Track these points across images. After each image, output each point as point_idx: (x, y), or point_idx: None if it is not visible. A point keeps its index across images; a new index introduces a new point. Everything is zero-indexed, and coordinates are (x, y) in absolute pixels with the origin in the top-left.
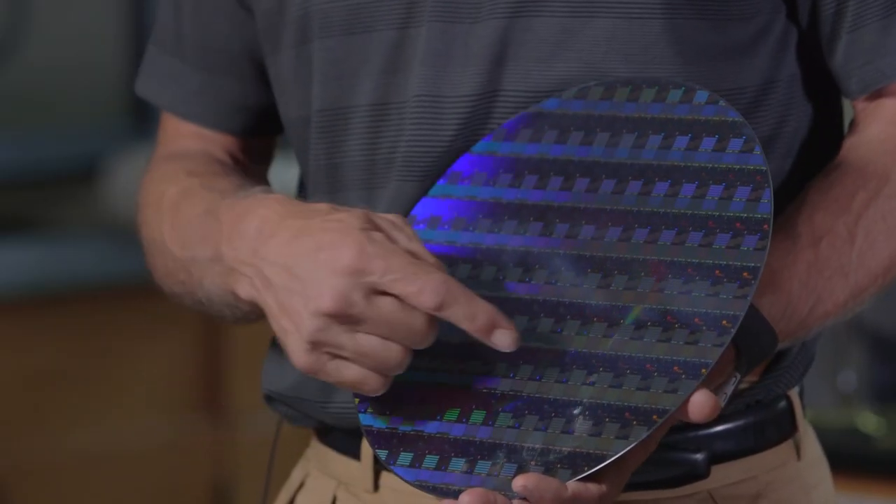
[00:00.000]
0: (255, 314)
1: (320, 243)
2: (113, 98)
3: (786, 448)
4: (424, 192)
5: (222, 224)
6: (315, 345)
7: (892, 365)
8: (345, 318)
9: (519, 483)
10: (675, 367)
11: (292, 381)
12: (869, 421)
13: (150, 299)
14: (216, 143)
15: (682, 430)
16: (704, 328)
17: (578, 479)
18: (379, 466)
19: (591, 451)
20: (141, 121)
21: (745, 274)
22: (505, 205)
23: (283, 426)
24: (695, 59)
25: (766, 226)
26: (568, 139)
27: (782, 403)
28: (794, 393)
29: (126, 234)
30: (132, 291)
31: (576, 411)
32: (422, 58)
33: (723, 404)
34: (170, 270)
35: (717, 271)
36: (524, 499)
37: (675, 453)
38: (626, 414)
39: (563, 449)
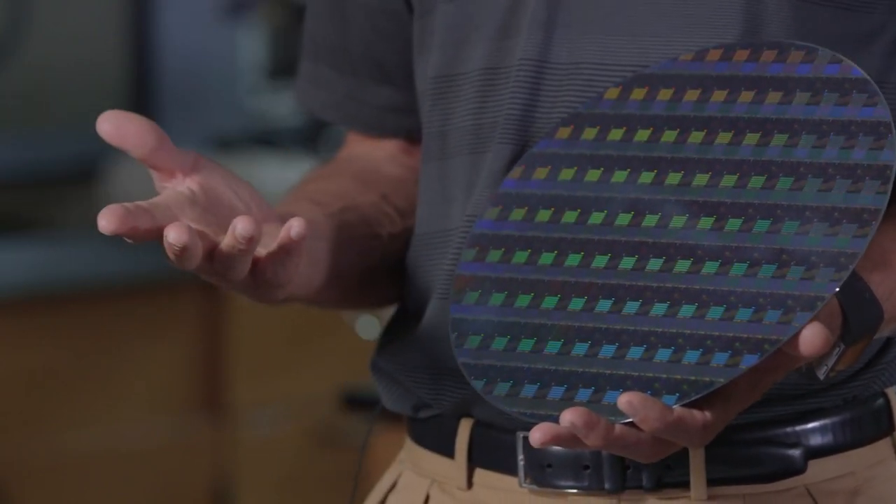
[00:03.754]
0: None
1: None
2: (113, 98)
3: (883, 445)
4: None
5: None
6: None
7: None
8: None
9: (624, 399)
10: (789, 301)
11: (403, 351)
12: None
13: (149, 299)
14: (378, 145)
15: (778, 425)
16: (821, 265)
17: (684, 405)
18: (472, 464)
19: (697, 379)
20: None
21: (864, 215)
22: (615, 157)
23: (376, 420)
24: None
25: (888, 171)
26: (683, 97)
27: (880, 401)
28: (891, 391)
29: None
30: (132, 291)
31: (683, 342)
32: (531, 21)
33: (822, 377)
34: None
35: (835, 213)
36: (627, 424)
37: (771, 448)
38: (736, 344)
39: (669, 377)
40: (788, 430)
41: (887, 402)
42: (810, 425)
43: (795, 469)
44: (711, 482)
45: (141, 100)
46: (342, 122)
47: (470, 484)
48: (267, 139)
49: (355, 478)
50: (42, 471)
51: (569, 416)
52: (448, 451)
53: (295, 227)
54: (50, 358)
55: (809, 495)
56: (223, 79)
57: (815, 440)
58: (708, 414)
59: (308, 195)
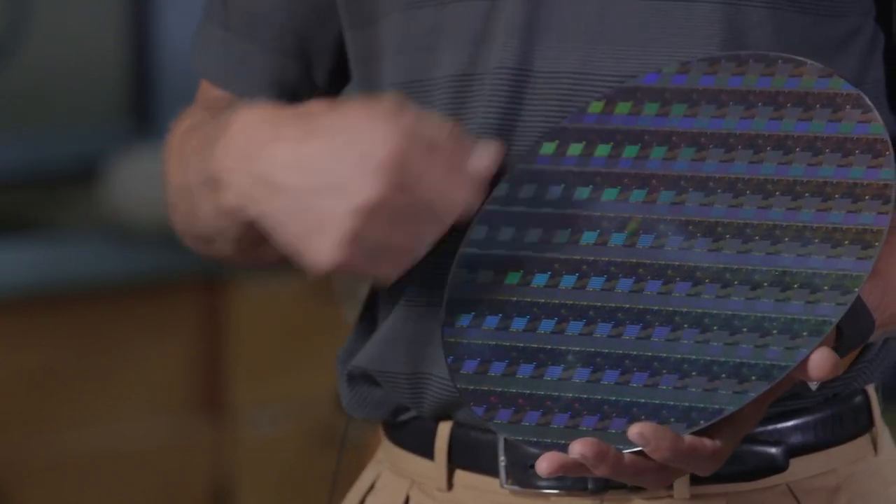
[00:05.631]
0: (247, 240)
1: (350, 137)
2: (113, 98)
3: (863, 442)
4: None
5: (211, 140)
6: (354, 240)
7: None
8: (388, 209)
9: (635, 431)
10: (795, 326)
11: (381, 356)
12: None
13: (149, 299)
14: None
15: (760, 423)
16: (826, 287)
17: (693, 433)
18: (452, 465)
19: (706, 406)
20: (141, 121)
21: (867, 236)
22: (604, 174)
23: (350, 425)
24: (790, 52)
25: (888, 191)
26: (670, 112)
27: (859, 398)
28: (871, 388)
29: (126, 235)
30: (132, 291)
31: (689, 368)
32: (508, 29)
33: (815, 388)
34: (173, 205)
35: (836, 234)
36: (636, 453)
37: (752, 446)
38: (744, 370)
39: (677, 404)
40: (770, 428)
41: (867, 398)
42: (791, 423)
43: (777, 467)
44: (694, 481)
45: (141, 100)
46: (223, 83)
47: (450, 485)
48: None
49: (334, 476)
50: (42, 471)
51: (579, 448)
52: (427, 452)
53: None
54: (50, 358)
55: (791, 493)
56: None
57: (797, 438)
58: (718, 442)
59: None
